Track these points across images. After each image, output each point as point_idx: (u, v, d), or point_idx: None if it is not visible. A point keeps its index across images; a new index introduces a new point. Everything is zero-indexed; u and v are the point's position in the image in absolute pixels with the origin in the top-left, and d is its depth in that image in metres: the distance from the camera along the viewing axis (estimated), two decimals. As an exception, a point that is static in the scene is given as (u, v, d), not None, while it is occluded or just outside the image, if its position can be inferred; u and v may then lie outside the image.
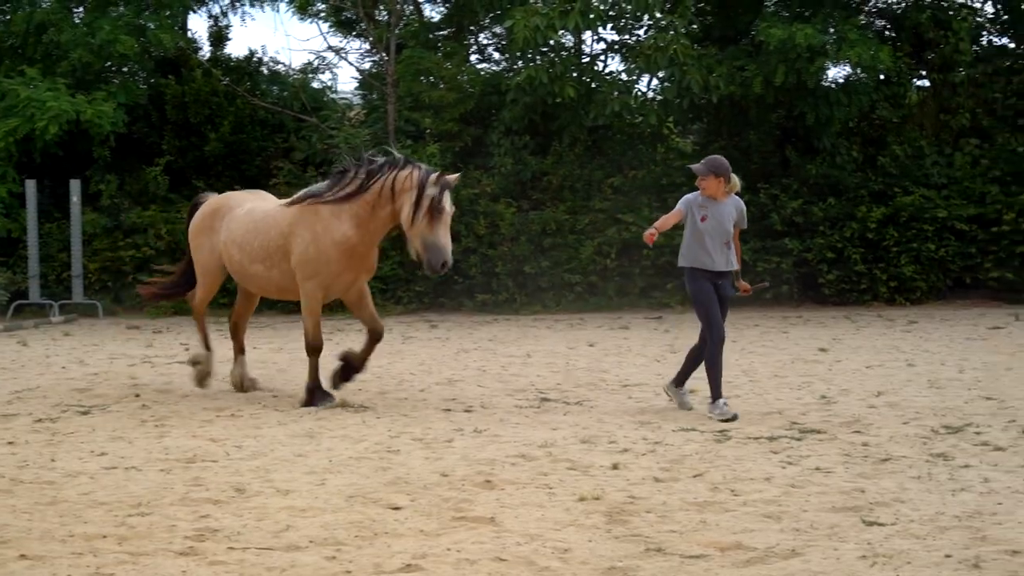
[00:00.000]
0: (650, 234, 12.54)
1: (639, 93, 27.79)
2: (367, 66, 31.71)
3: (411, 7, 31.02)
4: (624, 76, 27.95)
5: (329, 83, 32.24)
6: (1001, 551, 7.21)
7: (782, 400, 13.53)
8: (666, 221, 12.73)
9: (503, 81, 27.81)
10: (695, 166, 12.79)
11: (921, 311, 25.52)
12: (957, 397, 13.51)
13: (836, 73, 28.18)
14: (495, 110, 28.36)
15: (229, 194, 14.96)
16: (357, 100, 32.02)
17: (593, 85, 27.37)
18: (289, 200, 13.70)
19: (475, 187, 26.92)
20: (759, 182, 26.98)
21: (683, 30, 25.92)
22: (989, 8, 30.73)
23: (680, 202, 12.89)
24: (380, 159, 13.12)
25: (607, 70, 28.73)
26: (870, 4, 29.68)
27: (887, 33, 29.32)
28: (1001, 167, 27.38)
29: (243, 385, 14.46)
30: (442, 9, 31.53)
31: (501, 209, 26.73)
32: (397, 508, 8.44)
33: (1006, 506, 8.38)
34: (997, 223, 26.80)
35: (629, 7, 26.17)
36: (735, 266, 12.72)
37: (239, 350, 14.75)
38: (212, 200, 14.68)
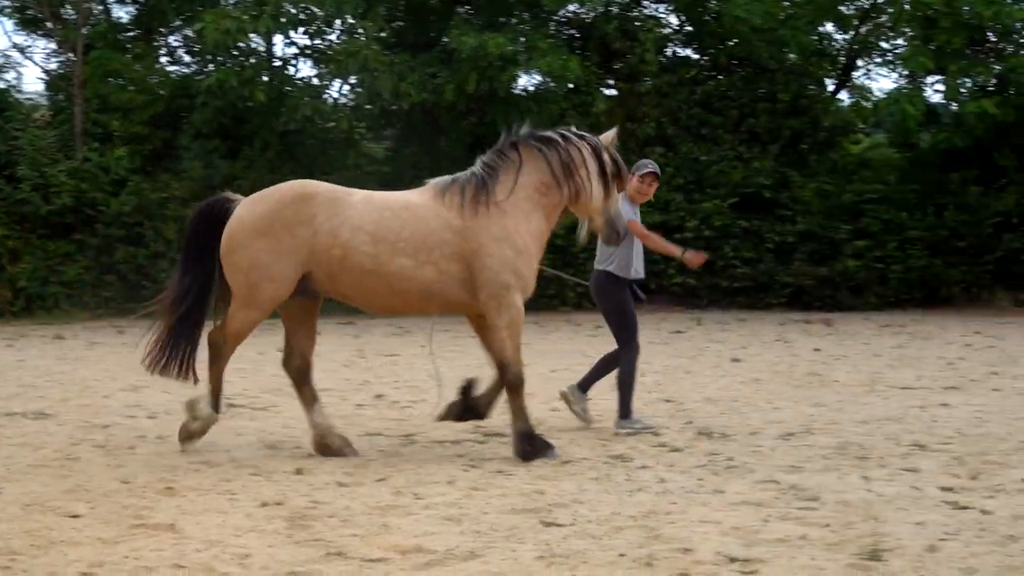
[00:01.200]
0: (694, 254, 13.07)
1: (330, 98, 27.74)
2: (54, 66, 30.83)
3: (99, 7, 30.30)
4: (316, 81, 27.85)
5: (13, 83, 31.15)
6: (674, 549, 7.44)
7: (469, 404, 13.67)
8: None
9: (193, 84, 27.40)
10: (653, 168, 12.60)
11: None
12: (638, 400, 13.82)
13: (527, 82, 28.65)
14: (185, 113, 27.91)
15: (308, 182, 11.45)
16: (43, 101, 31.06)
17: (285, 89, 27.18)
18: (438, 190, 11.17)
19: (164, 191, 26.42)
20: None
21: (374, 36, 25.96)
22: (674, 20, 31.71)
23: (631, 212, 12.31)
24: (539, 133, 11.31)
25: (298, 75, 28.60)
26: (559, 14, 30.21)
27: (576, 43, 29.91)
28: (684, 175, 28.26)
29: (332, 442, 10.89)
30: (131, 9, 30.89)
31: (191, 213, 26.30)
32: (76, 516, 8.26)
33: (680, 505, 8.66)
34: (680, 230, 27.59)
35: (321, 12, 26.08)
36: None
37: (312, 398, 11.43)
38: (291, 188, 11.10)
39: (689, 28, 31.36)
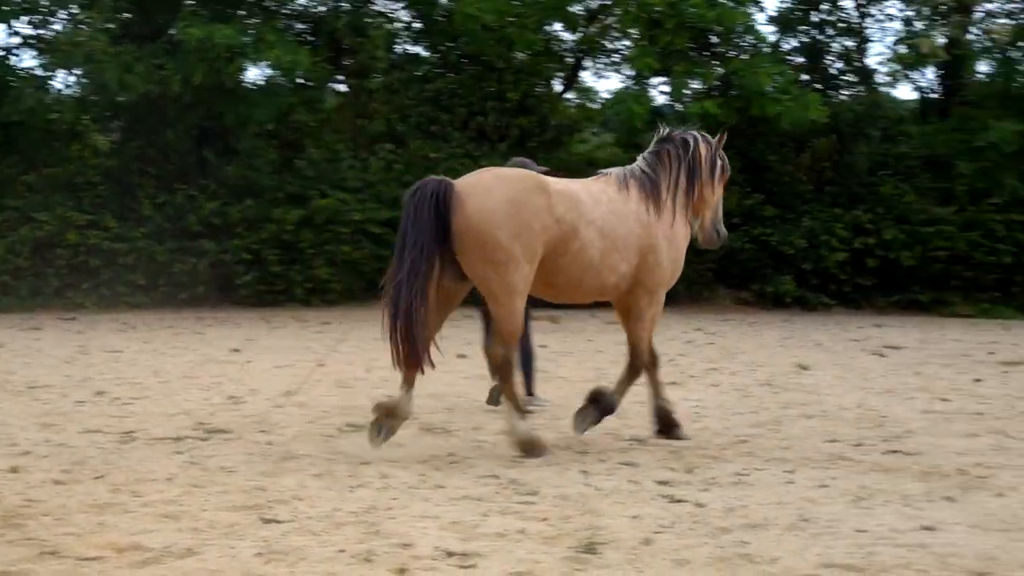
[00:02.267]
0: None
1: (55, 89, 27.04)
2: None
3: None
4: (40, 72, 27.08)
5: None
6: (393, 544, 7.49)
7: (191, 401, 13.52)
8: None
9: (-90, 72, 26.41)
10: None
11: (336, 313, 26.06)
12: (363, 396, 13.92)
13: (256, 75, 28.40)
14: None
15: (526, 171, 11.32)
16: None
17: (7, 80, 26.36)
18: (620, 185, 11.33)
19: None
20: (176, 183, 26.78)
21: (100, 26, 25.39)
22: (405, 16, 31.78)
23: None
24: (678, 136, 11.68)
25: (22, 65, 27.76)
26: (290, 8, 30.01)
27: (307, 37, 29.74)
28: (414, 172, 28.33)
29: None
30: None
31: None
32: None
33: (401, 501, 8.71)
34: (408, 227, 27.65)
35: (45, 1, 25.39)
36: None
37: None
38: (528, 177, 10.86)
39: (419, 25, 31.47)
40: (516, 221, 10.40)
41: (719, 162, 11.81)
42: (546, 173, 11.30)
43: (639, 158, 11.67)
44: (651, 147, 11.69)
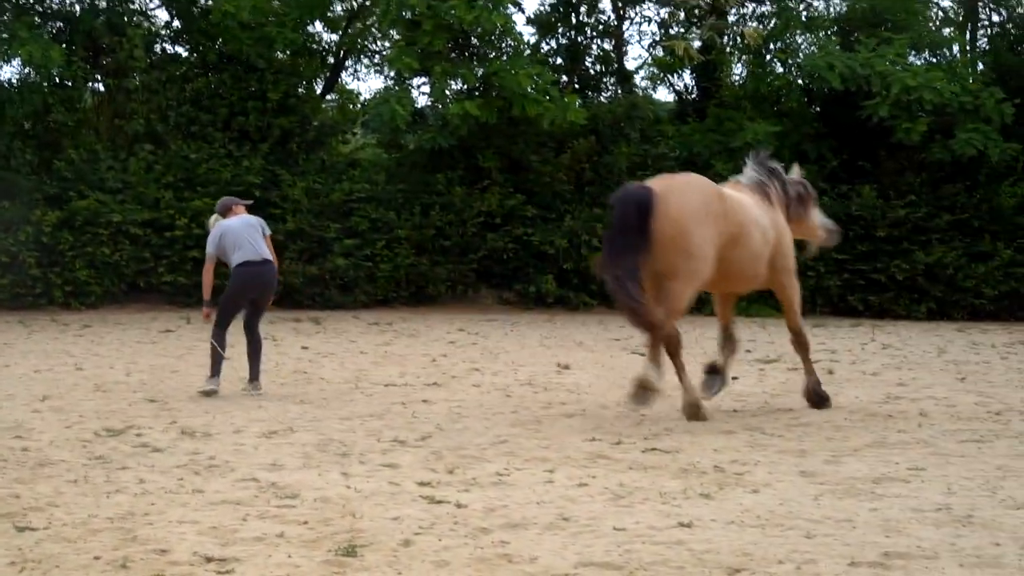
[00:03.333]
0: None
1: None
2: None
3: None
4: None
5: None
6: (150, 551, 7.46)
7: (-57, 408, 13.21)
8: None
9: None
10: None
11: (96, 315, 25.64)
12: (122, 400, 13.77)
13: (9, 73, 27.78)
14: None
15: (701, 176, 13.85)
16: None
17: None
18: (751, 189, 14.02)
19: None
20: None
21: None
22: (164, 15, 31.41)
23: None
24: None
25: None
26: (45, 5, 29.38)
27: (63, 36, 29.15)
28: (175, 173, 28.04)
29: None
30: None
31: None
32: None
33: (158, 506, 8.67)
34: (171, 228, 27.37)
35: None
36: None
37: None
38: (706, 183, 13.33)
39: (179, 24, 31.11)
40: (705, 220, 12.59)
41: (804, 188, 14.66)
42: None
43: (748, 168, 14.34)
44: (754, 163, 14.37)
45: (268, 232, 14.80)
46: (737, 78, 33.22)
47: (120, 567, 7.11)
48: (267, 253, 14.56)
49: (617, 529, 8.18)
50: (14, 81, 27.82)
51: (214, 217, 14.97)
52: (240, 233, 14.42)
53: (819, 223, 14.75)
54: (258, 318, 14.81)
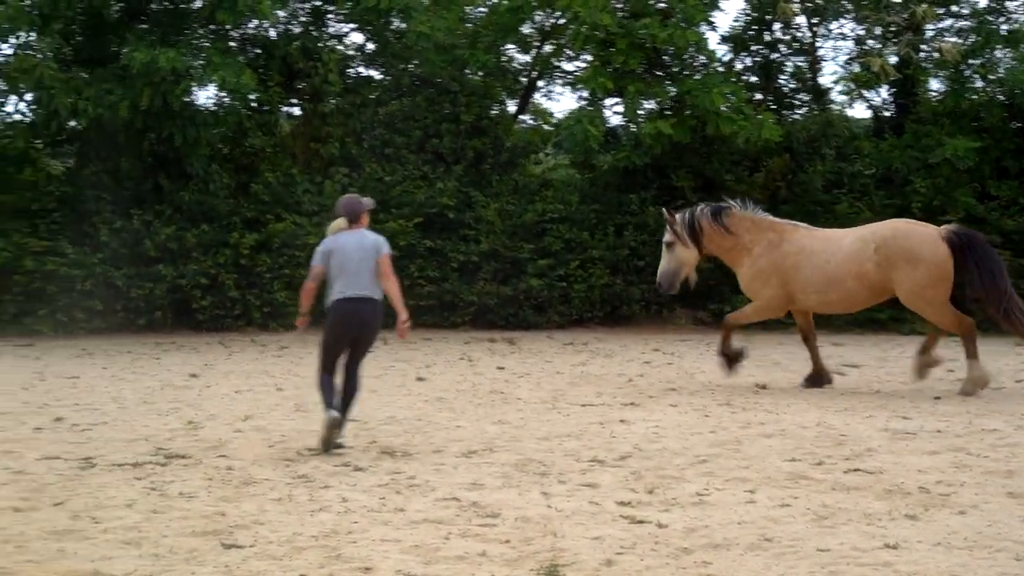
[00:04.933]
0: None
1: (6, 115, 26.91)
2: None
3: None
4: (-10, 98, 26.96)
5: None
6: (354, 568, 7.51)
7: (149, 426, 13.45)
8: None
9: None
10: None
11: (294, 336, 25.98)
12: (319, 421, 13.89)
13: (205, 98, 28.38)
14: None
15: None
16: None
17: (-42, 106, 26.25)
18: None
19: None
20: (132, 208, 26.66)
21: (50, 53, 25.31)
22: (357, 38, 31.82)
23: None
24: None
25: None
26: (241, 32, 29.97)
27: (259, 61, 29.67)
28: (368, 194, 28.24)
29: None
30: None
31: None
32: None
33: (361, 524, 8.71)
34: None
35: (-5, 27, 25.24)
36: None
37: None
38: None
39: (372, 47, 31.49)
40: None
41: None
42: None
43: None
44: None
45: (386, 251, 12.42)
46: (935, 93, 32.52)
47: (325, 585, 7.15)
48: (371, 289, 12.28)
49: (821, 550, 8.03)
50: (210, 106, 28.41)
51: (338, 221, 12.59)
52: (350, 257, 12.26)
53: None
54: (359, 361, 12.61)
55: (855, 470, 10.93)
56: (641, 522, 8.89)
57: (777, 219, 18.40)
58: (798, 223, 18.42)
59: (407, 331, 12.68)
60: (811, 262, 17.31)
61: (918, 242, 16.92)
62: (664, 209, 18.07)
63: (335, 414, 11.91)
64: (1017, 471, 10.99)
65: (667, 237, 18.10)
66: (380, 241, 12.49)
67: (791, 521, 8.75)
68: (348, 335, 12.35)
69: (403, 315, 12.45)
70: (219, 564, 7.55)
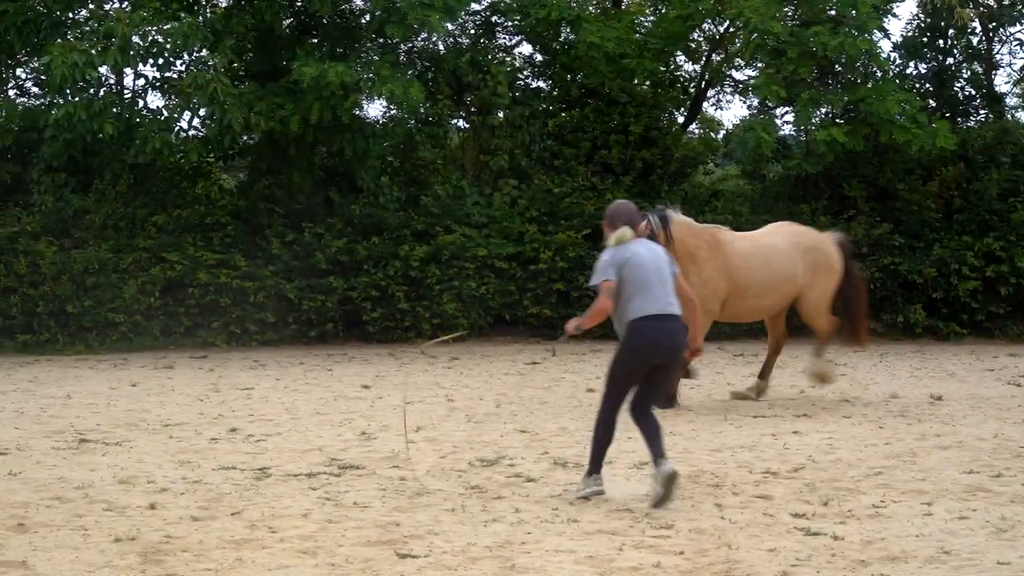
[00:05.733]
0: None
1: (180, 130, 27.46)
2: None
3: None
4: (165, 113, 27.51)
5: None
6: (528, 578, 7.50)
7: (323, 437, 13.61)
8: None
9: (41, 117, 26.93)
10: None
11: (463, 348, 26.10)
12: (494, 431, 13.93)
13: (374, 112, 28.72)
14: (34, 146, 27.42)
15: None
16: None
17: (134, 122, 26.80)
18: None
19: (15, 225, 25.97)
20: (303, 221, 27.05)
21: (222, 68, 25.80)
22: (526, 49, 31.91)
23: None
24: None
25: (148, 106, 28.20)
26: (409, 46, 30.25)
27: (428, 75, 29.92)
28: (538, 207, 28.38)
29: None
30: (-25, 42, 30.20)
31: (42, 248, 25.80)
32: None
33: (535, 535, 8.71)
34: (535, 261, 27.70)
35: (168, 44, 25.77)
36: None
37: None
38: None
39: (540, 58, 31.57)
40: None
41: None
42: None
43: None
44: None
45: (677, 271, 10.79)
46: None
47: (500, 594, 7.14)
48: (676, 306, 10.50)
49: (1001, 563, 7.91)
50: (380, 119, 28.71)
51: (622, 231, 10.62)
52: (648, 268, 10.42)
53: None
54: (658, 396, 10.94)
55: (1034, 485, 10.69)
56: (816, 534, 8.80)
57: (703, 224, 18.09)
58: (720, 226, 18.29)
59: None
60: (750, 264, 16.84)
61: (832, 250, 17.38)
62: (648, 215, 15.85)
63: (672, 467, 10.01)
64: None
65: None
66: (667, 254, 10.88)
67: (970, 534, 8.58)
68: (651, 361, 10.35)
69: (699, 342, 11.21)
70: (394, 573, 7.60)
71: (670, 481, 9.84)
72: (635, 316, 10.24)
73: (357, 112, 26.76)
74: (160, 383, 19.64)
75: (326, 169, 27.92)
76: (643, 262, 10.37)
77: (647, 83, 30.41)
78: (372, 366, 22.49)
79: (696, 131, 33.78)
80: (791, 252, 17.06)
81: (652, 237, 14.45)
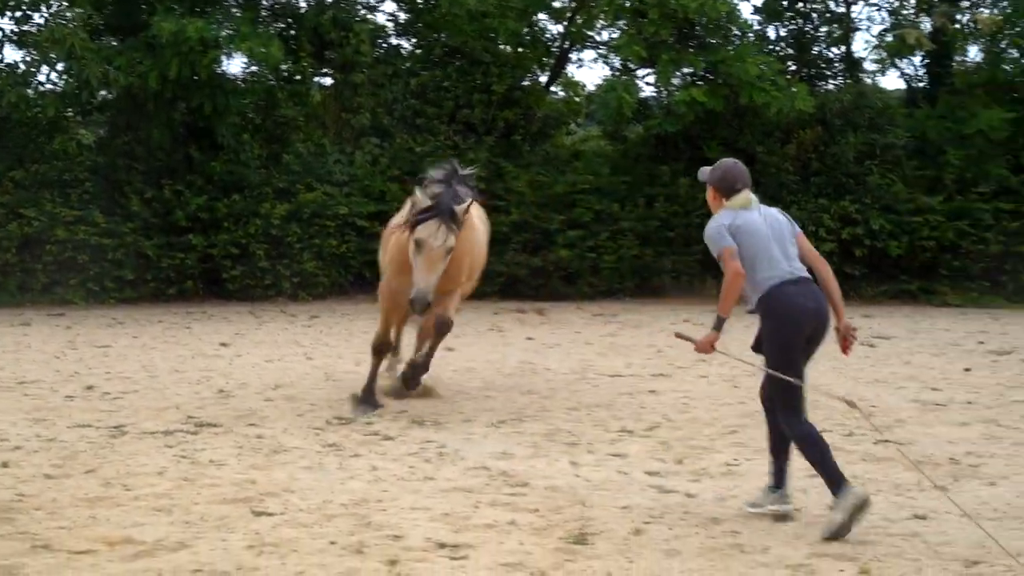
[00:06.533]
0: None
1: (38, 84, 26.93)
2: None
3: None
4: (22, 67, 26.94)
5: None
6: (384, 536, 7.55)
7: (180, 395, 13.52)
8: None
9: None
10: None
11: (323, 306, 26.04)
12: (352, 389, 13.91)
13: (234, 68, 28.48)
14: None
15: None
16: None
17: (-11, 75, 26.26)
18: None
19: None
20: (163, 178, 26.74)
21: (81, 22, 25.35)
22: (390, 7, 31.74)
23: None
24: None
25: (4, 60, 27.62)
26: (271, 2, 29.97)
27: (292, 32, 29.65)
28: (400, 166, 28.33)
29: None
30: None
31: None
32: None
33: (391, 493, 8.76)
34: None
35: (26, -3, 25.30)
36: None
37: None
38: None
39: (403, 17, 31.45)
40: None
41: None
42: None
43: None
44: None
45: (798, 230, 8.98)
46: (970, 64, 32.28)
47: (355, 552, 7.19)
48: (805, 269, 8.80)
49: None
50: (240, 76, 28.45)
51: (744, 194, 8.97)
52: (764, 233, 8.74)
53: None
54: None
55: (885, 441, 10.92)
56: (670, 492, 8.95)
57: None
58: None
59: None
60: (480, 245, 14.18)
61: None
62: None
63: (864, 493, 8.05)
64: (1049, 443, 11.02)
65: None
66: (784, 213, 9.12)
67: (821, 491, 8.75)
68: (805, 332, 8.60)
69: (843, 317, 8.93)
70: (249, 531, 7.59)
71: (862, 507, 7.93)
72: (771, 284, 8.59)
73: (217, 68, 26.43)
74: (15, 340, 19.33)
75: (186, 126, 27.55)
76: (757, 226, 8.74)
77: (510, 43, 30.43)
78: (231, 324, 22.33)
79: (559, 91, 33.87)
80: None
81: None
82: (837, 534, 7.75)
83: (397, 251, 12.60)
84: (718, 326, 8.79)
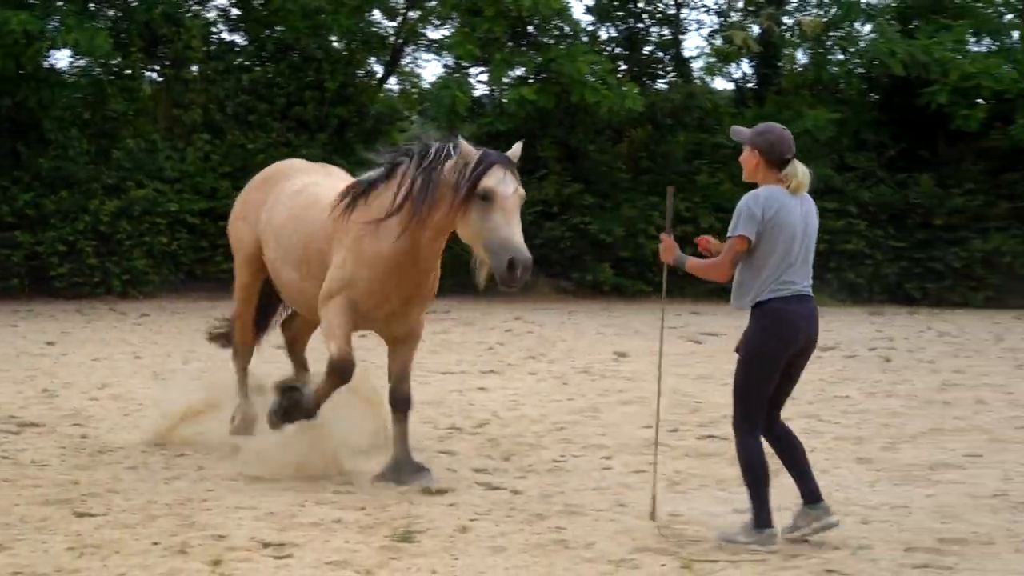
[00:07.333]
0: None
1: None
2: None
3: None
4: None
5: None
6: (208, 536, 7.54)
7: (3, 394, 13.31)
8: None
9: None
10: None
11: (154, 304, 25.73)
12: (178, 388, 13.81)
13: (64, 63, 28.04)
14: None
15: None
16: None
17: None
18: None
19: None
20: (-12, 173, 26.29)
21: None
22: (222, 1, 31.40)
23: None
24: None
25: None
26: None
27: (123, 26, 29.21)
28: (232, 162, 28.11)
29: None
30: None
31: None
32: None
33: (216, 492, 8.75)
34: (225, 218, 27.41)
35: None
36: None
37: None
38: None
39: (236, 12, 31.19)
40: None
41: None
42: None
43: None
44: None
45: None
46: (797, 66, 32.99)
47: (178, 552, 7.19)
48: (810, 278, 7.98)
49: (673, 515, 8.27)
50: (68, 69, 28.03)
51: (802, 173, 7.85)
52: (794, 234, 7.79)
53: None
54: (785, 399, 8.33)
55: (709, 436, 11.18)
56: (497, 488, 9.05)
57: None
58: None
59: None
60: None
61: None
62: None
63: (833, 519, 7.79)
64: (866, 437, 11.35)
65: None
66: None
67: (645, 487, 8.91)
68: (787, 356, 7.93)
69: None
70: (71, 532, 7.54)
71: (828, 525, 7.77)
72: (773, 295, 7.75)
73: (43, 62, 25.99)
74: None
75: (12, 120, 27.03)
76: (792, 225, 7.75)
77: (344, 40, 30.38)
78: (58, 322, 22.00)
79: (396, 87, 33.90)
80: None
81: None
82: (728, 546, 7.57)
83: (391, 250, 10.20)
84: (679, 259, 8.44)
